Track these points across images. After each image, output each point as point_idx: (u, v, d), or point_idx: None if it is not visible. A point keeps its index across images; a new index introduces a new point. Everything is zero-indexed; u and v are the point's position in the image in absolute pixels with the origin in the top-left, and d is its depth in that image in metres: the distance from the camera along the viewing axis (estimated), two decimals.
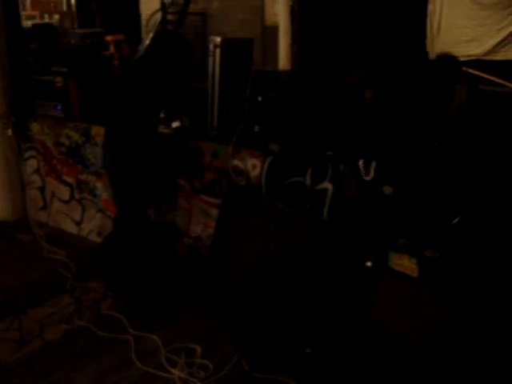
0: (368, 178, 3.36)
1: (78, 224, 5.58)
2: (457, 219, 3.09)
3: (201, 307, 4.31)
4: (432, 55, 5.92)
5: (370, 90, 3.95)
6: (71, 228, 5.65)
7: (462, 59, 5.27)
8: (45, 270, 4.91)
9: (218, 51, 4.36)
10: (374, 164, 3.35)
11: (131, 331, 4.01)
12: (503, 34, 5.43)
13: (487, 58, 5.56)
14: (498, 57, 5.57)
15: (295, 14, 6.66)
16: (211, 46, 4.39)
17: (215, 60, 4.38)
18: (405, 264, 3.15)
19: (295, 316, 3.75)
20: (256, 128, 4.22)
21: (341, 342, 3.57)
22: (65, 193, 5.62)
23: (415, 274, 3.12)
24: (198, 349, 3.83)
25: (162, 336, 3.96)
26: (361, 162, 3.40)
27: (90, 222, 5.47)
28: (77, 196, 5.53)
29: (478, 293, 2.88)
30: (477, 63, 5.47)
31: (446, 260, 2.99)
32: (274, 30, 6.82)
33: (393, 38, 6.00)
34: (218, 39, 4.36)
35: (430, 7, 5.99)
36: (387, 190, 3.29)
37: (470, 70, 4.89)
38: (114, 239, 4.61)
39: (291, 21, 6.56)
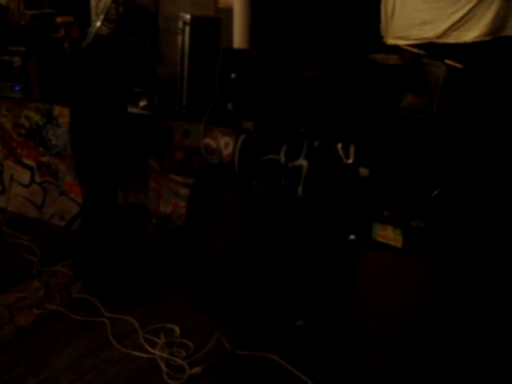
0: (349, 161, 3.38)
1: (40, 208, 5.42)
2: (436, 192, 3.16)
3: (174, 288, 4.28)
4: (387, 39, 6.00)
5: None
6: (32, 212, 5.48)
7: (415, 42, 5.39)
8: (8, 255, 4.77)
9: (187, 28, 4.30)
10: (353, 148, 3.38)
11: (106, 313, 3.96)
12: (455, 17, 5.51)
13: (440, 41, 5.66)
14: (450, 40, 5.67)
15: None
16: (180, 24, 4.32)
17: (185, 37, 4.32)
18: (389, 235, 3.19)
19: (275, 292, 3.76)
20: (229, 105, 4.19)
21: (325, 316, 3.60)
22: (25, 176, 5.44)
23: (399, 245, 3.17)
24: (177, 329, 3.81)
25: (138, 317, 3.92)
26: (339, 146, 3.42)
27: (52, 206, 5.33)
28: (38, 179, 5.36)
29: (464, 260, 2.95)
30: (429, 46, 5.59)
31: (432, 230, 3.05)
32: (226, 12, 6.72)
33: (348, 21, 6.04)
34: (188, 16, 4.29)
35: None
36: (363, 171, 3.34)
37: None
38: (83, 224, 4.47)
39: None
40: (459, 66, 4.27)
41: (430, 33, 5.69)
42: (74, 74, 4.27)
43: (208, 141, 4.32)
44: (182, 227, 4.44)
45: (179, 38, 4.35)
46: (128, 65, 4.00)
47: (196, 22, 4.32)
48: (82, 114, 4.11)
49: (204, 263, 4.13)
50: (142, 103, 4.63)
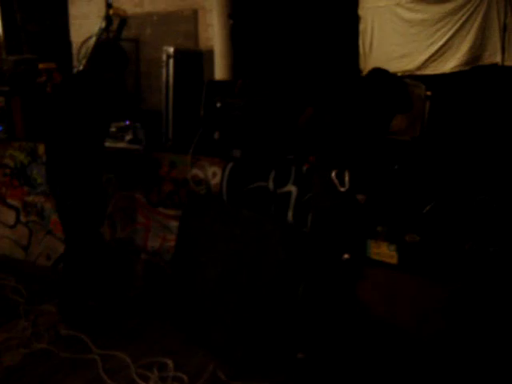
0: (343, 190, 3.35)
1: (25, 249, 5.33)
2: (429, 206, 3.16)
3: (165, 323, 4.18)
4: (365, 72, 6.09)
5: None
6: (18, 254, 5.38)
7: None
8: None
9: (171, 61, 4.34)
10: (347, 174, 3.35)
11: (96, 350, 3.85)
12: (432, 49, 5.62)
13: (419, 72, 5.74)
14: (428, 71, 5.76)
15: None
16: (164, 57, 4.37)
17: (169, 70, 4.36)
18: (383, 252, 3.16)
19: (269, 321, 3.70)
20: (216, 134, 4.19)
21: (323, 342, 3.53)
22: (10, 217, 5.37)
23: (394, 261, 3.14)
24: (170, 362, 3.70)
25: (130, 353, 3.81)
26: (333, 174, 3.40)
27: (38, 246, 5.24)
28: (23, 219, 5.29)
29: (461, 272, 2.93)
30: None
31: (426, 243, 3.03)
32: (207, 54, 6.80)
33: (327, 56, 6.13)
34: (171, 49, 4.35)
35: (361, 26, 6.14)
36: (360, 198, 3.31)
37: None
38: (65, 263, 4.38)
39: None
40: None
41: (409, 65, 5.78)
42: (48, 110, 4.26)
43: (195, 171, 4.31)
44: (172, 260, 4.37)
45: (163, 70, 4.39)
46: (101, 100, 3.97)
47: (179, 54, 4.38)
48: (58, 151, 4.07)
49: (195, 295, 4.05)
50: (128, 137, 4.62)
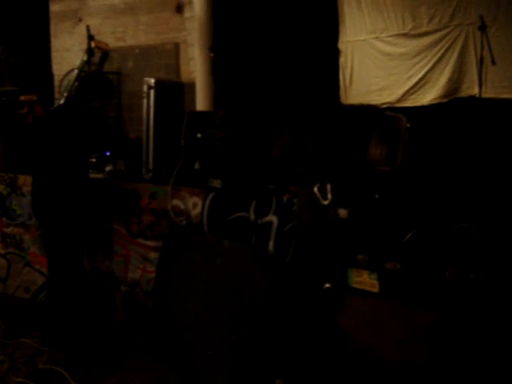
0: (326, 203, 3.36)
1: (3, 281, 5.23)
2: (409, 235, 3.17)
3: (145, 355, 4.12)
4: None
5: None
6: None
7: None
8: None
9: (152, 92, 4.36)
10: (329, 187, 3.37)
11: None
12: (411, 82, 5.70)
13: (398, 105, 5.81)
14: (408, 103, 5.83)
15: None
16: (145, 88, 4.39)
17: (149, 101, 4.38)
18: (365, 280, 3.16)
19: (251, 351, 3.65)
20: (196, 165, 4.20)
21: (307, 368, 3.49)
22: None
23: (376, 290, 3.14)
24: None
25: None
26: (316, 188, 3.42)
27: (17, 278, 5.15)
28: (2, 251, 5.21)
29: (442, 299, 2.93)
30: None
31: (407, 271, 3.03)
32: (189, 86, 6.84)
33: (307, 89, 6.19)
34: (152, 80, 4.37)
35: (341, 60, 6.22)
36: (342, 212, 3.32)
37: None
38: (49, 292, 4.34)
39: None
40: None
41: (388, 98, 5.85)
42: (35, 140, 4.26)
43: (176, 202, 4.29)
44: (152, 292, 4.33)
45: (144, 101, 4.40)
46: (87, 129, 4.00)
47: (160, 85, 4.40)
48: (43, 179, 4.08)
49: (176, 326, 4.00)
50: (108, 168, 4.61)
